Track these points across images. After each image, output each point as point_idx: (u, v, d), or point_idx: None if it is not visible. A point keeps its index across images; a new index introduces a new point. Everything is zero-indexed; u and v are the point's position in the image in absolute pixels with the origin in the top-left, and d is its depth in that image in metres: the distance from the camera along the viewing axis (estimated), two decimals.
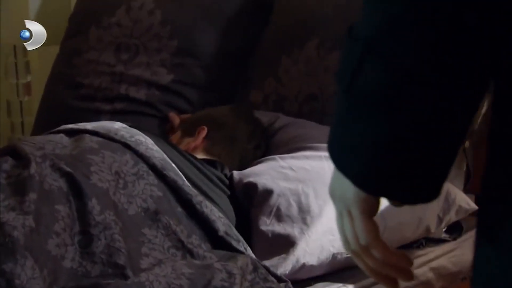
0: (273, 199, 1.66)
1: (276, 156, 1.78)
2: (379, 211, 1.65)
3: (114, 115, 2.21)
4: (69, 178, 1.47)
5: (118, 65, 2.25)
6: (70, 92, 2.28)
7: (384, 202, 1.71)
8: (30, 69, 2.70)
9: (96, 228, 1.42)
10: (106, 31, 2.29)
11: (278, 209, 1.65)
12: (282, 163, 1.75)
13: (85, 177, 1.48)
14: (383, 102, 0.75)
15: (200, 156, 1.84)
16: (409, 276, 0.83)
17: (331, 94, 1.97)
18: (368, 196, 0.79)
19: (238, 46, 2.25)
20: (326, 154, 1.65)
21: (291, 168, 1.73)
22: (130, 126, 1.74)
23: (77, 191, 1.45)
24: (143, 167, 1.58)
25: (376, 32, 0.75)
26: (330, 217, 1.64)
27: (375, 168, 0.77)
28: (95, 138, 1.62)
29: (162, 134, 2.16)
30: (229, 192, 1.73)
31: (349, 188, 0.80)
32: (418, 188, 0.77)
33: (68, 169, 1.47)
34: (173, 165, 1.63)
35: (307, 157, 1.76)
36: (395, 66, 0.74)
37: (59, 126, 2.23)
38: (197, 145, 1.87)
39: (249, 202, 1.70)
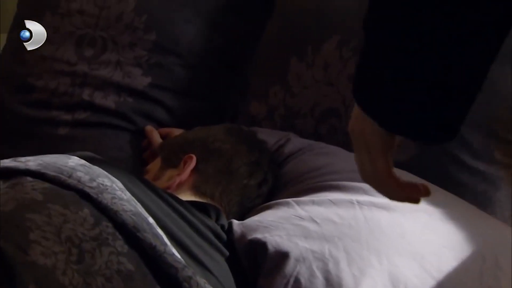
0: (290, 266, 1.19)
1: (290, 200, 1.31)
2: None
3: (76, 128, 1.73)
4: None
5: (80, 64, 1.77)
6: (20, 97, 1.79)
7: None
8: None
9: None
10: (65, 19, 1.79)
11: (297, 281, 1.18)
12: (299, 211, 1.28)
13: (20, 252, 1.00)
14: (401, 36, 0.74)
15: (186, 196, 1.36)
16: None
17: None
18: (384, 133, 0.81)
19: (234, 43, 1.77)
20: (359, 197, 1.17)
21: (312, 220, 1.25)
22: (92, 159, 1.26)
23: (7, 275, 0.97)
24: (107, 227, 1.10)
25: None
26: None
27: (392, 105, 0.77)
28: (39, 184, 1.13)
29: (136, 154, 1.69)
30: (227, 253, 1.26)
31: (368, 124, 0.81)
32: (435, 127, 0.78)
33: None
34: (150, 219, 1.15)
35: (334, 203, 1.28)
36: None
37: (6, 139, 1.77)
38: (182, 181, 1.39)
39: (256, 268, 1.23)
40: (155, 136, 1.67)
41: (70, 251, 1.04)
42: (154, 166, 1.49)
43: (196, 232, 1.24)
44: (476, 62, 0.74)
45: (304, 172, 1.41)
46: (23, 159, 1.22)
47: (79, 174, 1.16)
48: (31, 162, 1.20)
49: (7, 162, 1.21)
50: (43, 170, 1.16)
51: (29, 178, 1.14)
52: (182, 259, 1.12)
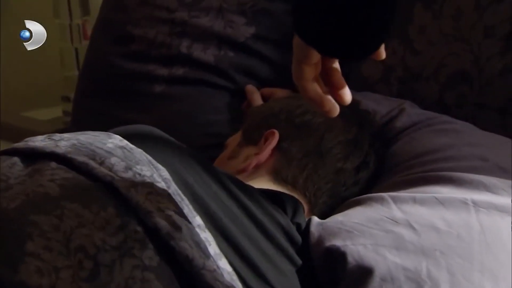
0: (373, 286, 0.92)
1: (386, 195, 1.02)
2: None
3: (172, 85, 1.52)
4: None
5: (180, 10, 1.54)
6: (118, 48, 1.59)
7: None
8: (88, 5, 2.06)
9: None
10: None
11: None
12: (395, 211, 0.99)
13: (6, 268, 0.80)
14: None
15: (262, 183, 1.11)
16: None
17: (494, 74, 1.18)
18: (299, 42, 0.81)
19: None
20: (476, 196, 0.88)
21: (409, 225, 0.97)
22: (141, 136, 1.04)
23: None
24: (136, 232, 0.87)
25: None
26: None
27: (306, 17, 0.77)
28: (61, 173, 0.92)
29: (235, 117, 1.46)
30: (300, 262, 1.00)
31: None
32: (338, 40, 0.76)
33: None
34: (196, 220, 0.92)
35: (441, 202, 0.99)
36: None
37: (102, 94, 1.59)
38: (260, 163, 1.14)
39: (334, 284, 0.97)
40: (256, 98, 1.42)
41: (80, 265, 0.83)
42: (234, 140, 1.24)
43: (263, 234, 0.99)
44: None
45: (414, 155, 1.12)
46: (57, 136, 1.01)
47: (113, 160, 0.94)
48: (64, 141, 0.99)
49: (38, 141, 1.01)
50: (71, 155, 0.94)
51: (53, 164, 0.94)
52: (226, 278, 0.88)
